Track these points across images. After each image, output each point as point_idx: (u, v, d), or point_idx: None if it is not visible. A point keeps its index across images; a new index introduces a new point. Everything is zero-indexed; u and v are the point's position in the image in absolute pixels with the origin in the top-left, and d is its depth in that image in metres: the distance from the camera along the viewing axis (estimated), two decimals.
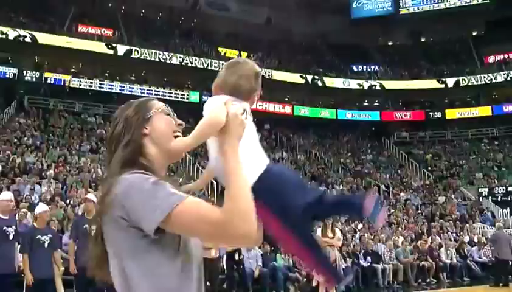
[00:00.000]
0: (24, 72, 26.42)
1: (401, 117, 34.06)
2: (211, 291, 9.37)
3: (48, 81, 27.01)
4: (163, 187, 1.49)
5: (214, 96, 1.74)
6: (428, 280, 14.99)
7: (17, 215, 11.06)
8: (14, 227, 7.07)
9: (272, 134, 30.52)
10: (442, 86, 32.90)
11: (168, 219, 1.44)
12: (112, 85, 28.54)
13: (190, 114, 29.23)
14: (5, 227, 6.85)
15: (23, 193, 14.64)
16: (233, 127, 1.57)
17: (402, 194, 23.22)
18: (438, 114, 33.41)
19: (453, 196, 23.43)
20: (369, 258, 14.44)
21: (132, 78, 30.46)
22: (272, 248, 14.32)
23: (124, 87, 28.69)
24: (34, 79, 26.66)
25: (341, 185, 22.93)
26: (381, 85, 33.40)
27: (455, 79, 32.70)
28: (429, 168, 28.57)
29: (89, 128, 24.40)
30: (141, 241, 1.48)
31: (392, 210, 20.53)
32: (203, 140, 1.62)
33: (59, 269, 7.99)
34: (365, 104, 35.40)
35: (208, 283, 9.30)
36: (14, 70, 26.26)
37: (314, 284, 9.90)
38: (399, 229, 17.77)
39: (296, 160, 26.54)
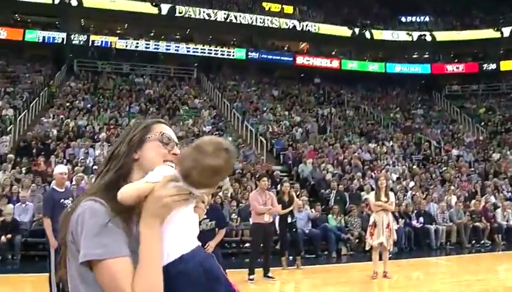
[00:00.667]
0: (72, 36, 26.80)
1: (453, 70, 32.84)
2: (265, 253, 9.48)
3: (96, 44, 27.37)
4: (109, 233, 1.45)
5: (164, 167, 1.58)
6: (482, 241, 14.71)
7: (73, 179, 11.42)
8: (71, 198, 7.20)
9: (319, 89, 30.11)
10: (498, 35, 31.35)
11: (92, 265, 1.44)
12: (158, 45, 28.67)
13: (235, 71, 29.57)
14: (62, 200, 6.98)
15: (78, 156, 15.08)
16: (152, 206, 1.47)
17: (454, 150, 22.55)
18: (493, 66, 32.02)
19: (508, 152, 22.47)
20: (421, 219, 14.25)
21: (178, 36, 30.40)
22: (323, 207, 14.37)
23: (170, 46, 28.79)
24: (81, 43, 27.07)
25: (391, 141, 22.51)
26: (432, 36, 32.18)
27: (511, 28, 31.07)
28: (483, 122, 27.52)
29: (137, 89, 24.67)
30: (88, 267, 1.46)
31: (444, 168, 20.07)
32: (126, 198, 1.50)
33: None
34: (415, 56, 34.27)
35: (261, 245, 9.40)
36: (63, 35, 26.67)
37: (367, 248, 9.88)
38: (452, 187, 17.38)
39: (345, 116, 26.15)
